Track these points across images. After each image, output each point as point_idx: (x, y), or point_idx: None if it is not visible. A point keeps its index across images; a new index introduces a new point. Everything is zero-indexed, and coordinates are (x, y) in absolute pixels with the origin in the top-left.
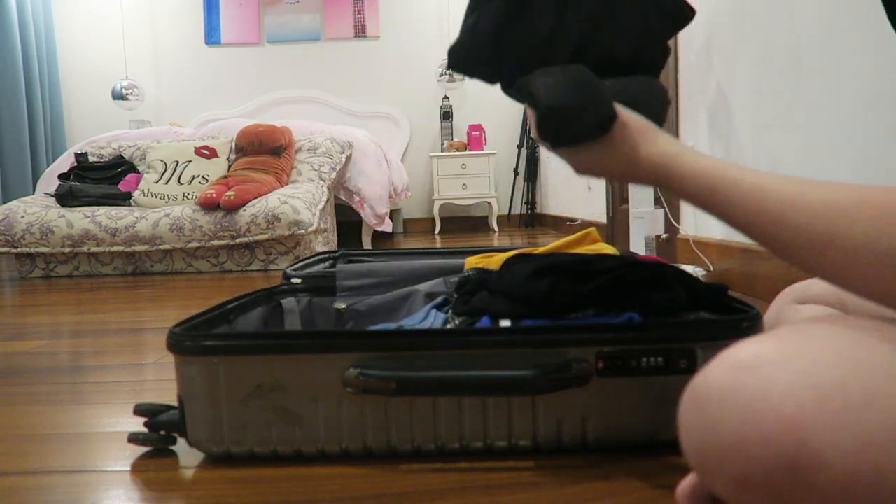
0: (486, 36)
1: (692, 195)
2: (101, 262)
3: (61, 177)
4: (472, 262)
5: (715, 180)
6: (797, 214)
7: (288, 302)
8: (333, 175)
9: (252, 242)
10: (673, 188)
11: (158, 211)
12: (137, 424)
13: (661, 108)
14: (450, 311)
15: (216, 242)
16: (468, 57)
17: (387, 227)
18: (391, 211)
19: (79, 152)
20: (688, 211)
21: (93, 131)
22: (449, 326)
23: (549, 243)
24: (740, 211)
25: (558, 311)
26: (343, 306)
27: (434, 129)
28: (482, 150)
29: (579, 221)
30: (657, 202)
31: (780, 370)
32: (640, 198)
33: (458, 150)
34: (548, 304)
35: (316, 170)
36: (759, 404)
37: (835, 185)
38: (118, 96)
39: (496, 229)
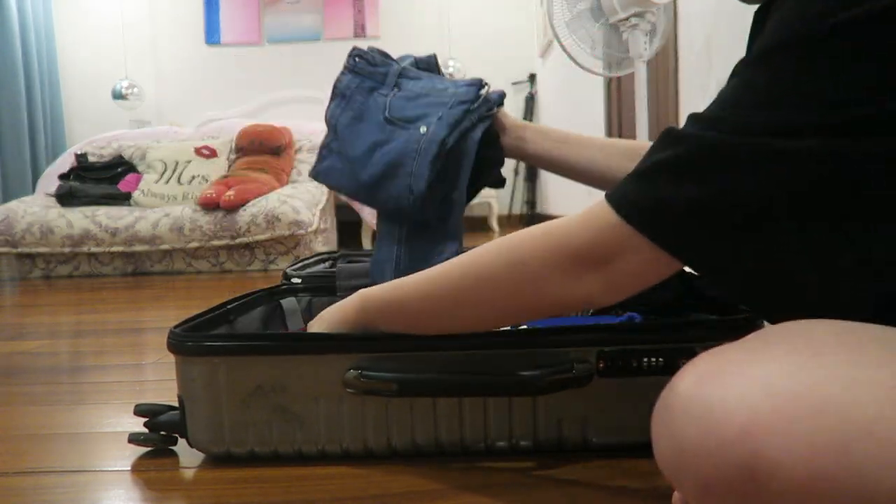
0: None
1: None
2: (101, 262)
3: (61, 177)
4: None
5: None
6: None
7: (288, 302)
8: None
9: (252, 242)
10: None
11: (158, 211)
12: (137, 424)
13: None
14: None
15: (216, 242)
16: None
17: None
18: None
19: (79, 152)
20: None
21: (93, 131)
22: None
23: None
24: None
25: None
26: None
27: None
28: None
29: None
30: None
31: (739, 378)
32: None
33: None
34: None
35: None
36: (717, 412)
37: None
38: (118, 96)
39: (496, 229)
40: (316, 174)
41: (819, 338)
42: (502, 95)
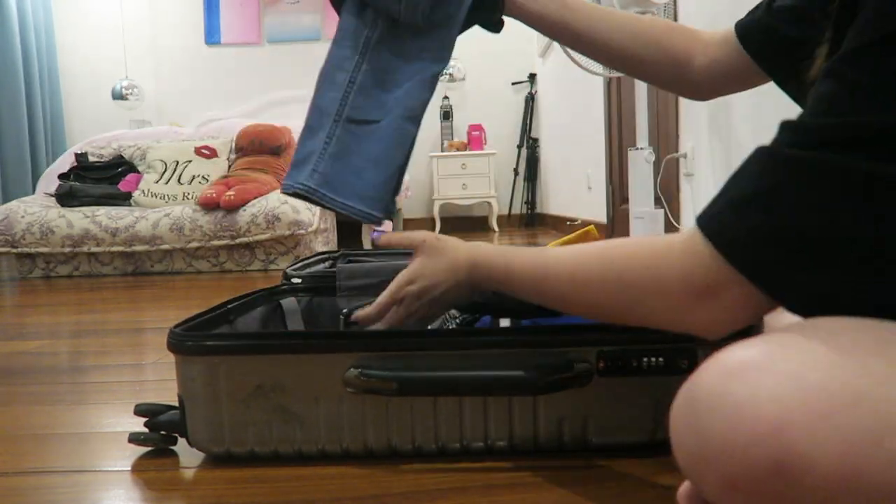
0: None
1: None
2: (101, 262)
3: (61, 177)
4: None
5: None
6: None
7: (288, 302)
8: None
9: (252, 242)
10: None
11: (158, 211)
12: (137, 424)
13: None
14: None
15: (216, 242)
16: None
17: (387, 227)
18: None
19: (79, 152)
20: (688, 210)
21: (93, 131)
22: (449, 323)
23: (549, 243)
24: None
25: None
26: (345, 310)
27: (434, 128)
28: (482, 150)
29: (579, 221)
30: (657, 202)
31: (767, 374)
32: (640, 198)
33: (458, 150)
34: None
35: None
36: (746, 408)
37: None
38: (118, 96)
39: (496, 229)
40: None
41: (848, 334)
42: None
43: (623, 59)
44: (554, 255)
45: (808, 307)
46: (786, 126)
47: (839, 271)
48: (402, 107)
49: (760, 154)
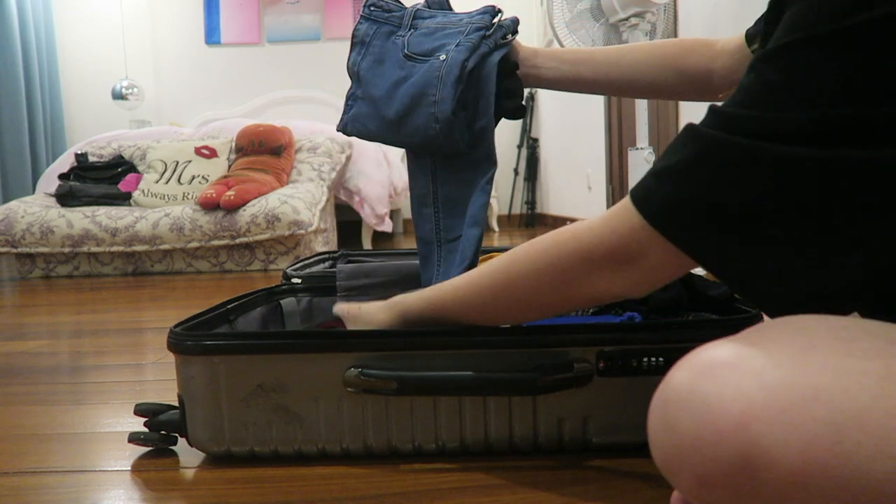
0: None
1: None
2: (101, 262)
3: (61, 177)
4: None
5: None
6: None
7: (288, 302)
8: (333, 175)
9: (252, 242)
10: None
11: (158, 211)
12: (137, 424)
13: None
14: None
15: (216, 242)
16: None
17: (387, 227)
18: (391, 211)
19: (79, 152)
20: None
21: (93, 131)
22: None
23: None
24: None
25: None
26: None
27: None
28: None
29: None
30: None
31: (734, 372)
32: None
33: None
34: None
35: (316, 170)
36: (714, 405)
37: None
38: (118, 96)
39: (496, 229)
40: (344, 125)
41: (812, 331)
42: (516, 22)
43: (645, 92)
44: (486, 263)
45: (724, 270)
46: (710, 110)
47: (732, 233)
48: (468, 216)
49: (685, 131)
